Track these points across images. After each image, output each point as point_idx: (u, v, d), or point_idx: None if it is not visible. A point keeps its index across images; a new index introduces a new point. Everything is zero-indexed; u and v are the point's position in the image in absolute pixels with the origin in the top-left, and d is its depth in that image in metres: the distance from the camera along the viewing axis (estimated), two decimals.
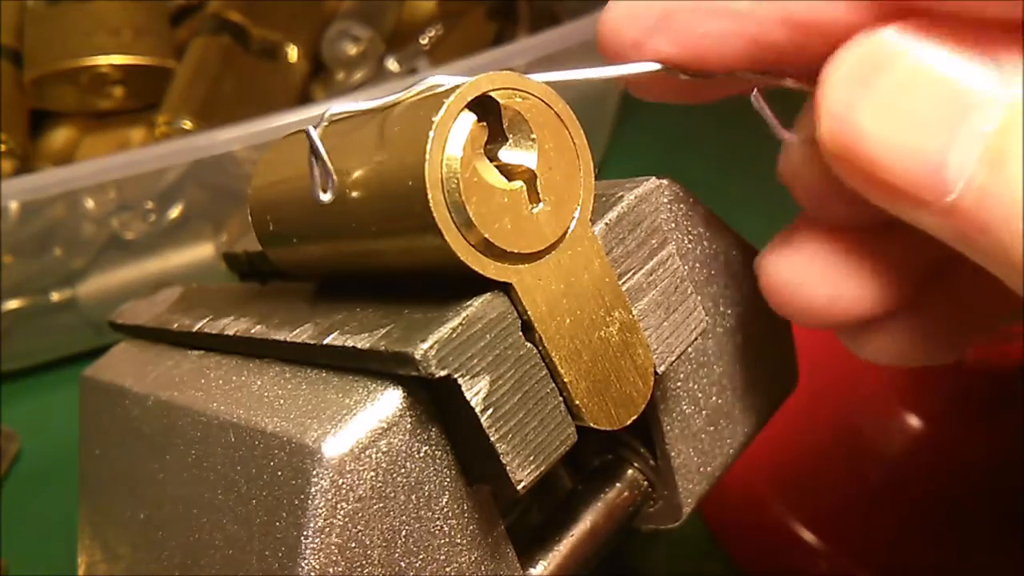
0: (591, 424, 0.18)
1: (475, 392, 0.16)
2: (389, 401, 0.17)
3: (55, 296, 0.49)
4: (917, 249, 0.19)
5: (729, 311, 0.22)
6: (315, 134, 0.17)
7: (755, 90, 0.19)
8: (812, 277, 0.19)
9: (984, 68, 0.16)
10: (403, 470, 0.17)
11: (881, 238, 0.19)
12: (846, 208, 0.19)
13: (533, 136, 0.17)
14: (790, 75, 0.19)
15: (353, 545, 0.17)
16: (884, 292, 0.19)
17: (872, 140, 0.16)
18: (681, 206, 0.21)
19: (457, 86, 0.16)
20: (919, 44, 0.16)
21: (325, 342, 0.18)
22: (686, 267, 0.20)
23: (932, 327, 0.20)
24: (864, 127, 0.16)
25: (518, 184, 0.17)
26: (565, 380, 0.17)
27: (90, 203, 0.46)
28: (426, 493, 0.18)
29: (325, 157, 0.17)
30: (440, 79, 0.17)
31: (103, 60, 0.53)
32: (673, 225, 0.21)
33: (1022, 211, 0.15)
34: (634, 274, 0.19)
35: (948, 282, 0.20)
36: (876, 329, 0.20)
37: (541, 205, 0.17)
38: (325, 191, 0.17)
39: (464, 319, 0.16)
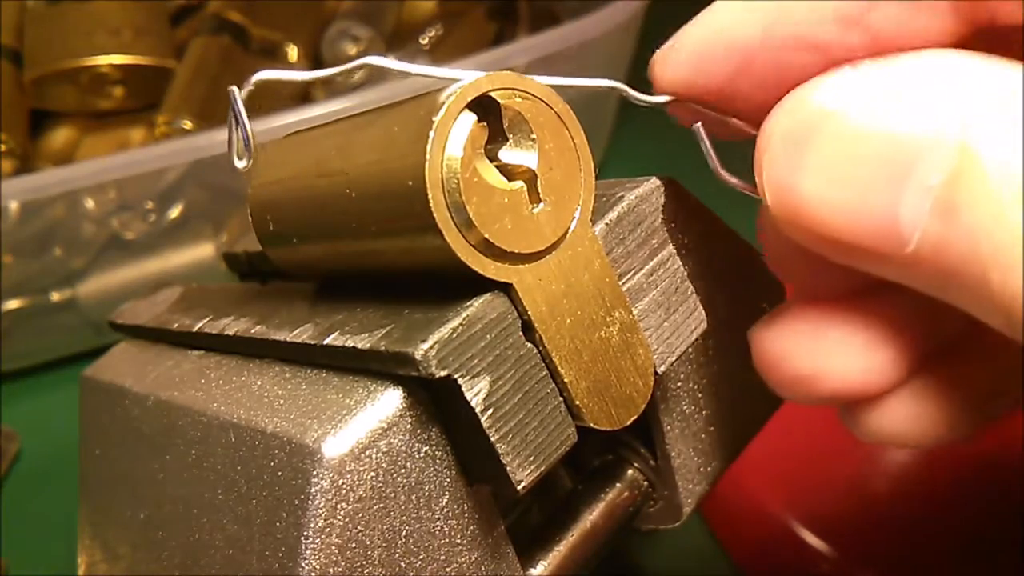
0: (591, 424, 0.18)
1: (475, 392, 0.16)
2: (389, 401, 0.17)
3: (55, 296, 0.49)
4: (916, 317, 0.18)
5: (729, 311, 0.22)
6: (238, 95, 0.17)
7: (698, 124, 0.19)
8: (796, 350, 0.18)
9: (926, 115, 0.15)
10: (403, 470, 0.17)
11: (871, 307, 0.18)
12: (814, 272, 0.18)
13: (533, 136, 0.17)
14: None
15: (353, 545, 0.17)
16: (877, 366, 0.18)
17: (817, 204, 0.16)
18: (681, 206, 0.21)
19: (457, 86, 0.16)
20: (851, 103, 0.15)
21: (325, 342, 0.18)
22: (686, 267, 0.20)
23: (939, 404, 0.19)
24: (807, 192, 0.16)
25: (518, 184, 0.17)
26: (565, 380, 0.17)
27: (90, 203, 0.46)
28: (426, 493, 0.18)
29: (246, 122, 0.17)
30: (377, 60, 0.17)
31: (103, 60, 0.53)
32: (673, 225, 0.21)
33: (982, 261, 0.14)
34: (634, 274, 0.19)
35: (958, 354, 0.19)
36: (873, 407, 0.19)
37: (541, 205, 0.17)
38: (241, 157, 0.17)
39: (464, 319, 0.16)
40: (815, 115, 0.16)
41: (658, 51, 0.19)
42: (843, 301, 0.18)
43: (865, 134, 0.15)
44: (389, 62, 0.17)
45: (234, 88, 0.17)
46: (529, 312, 0.17)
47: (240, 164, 0.17)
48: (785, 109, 0.16)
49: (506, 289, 0.17)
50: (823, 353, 0.18)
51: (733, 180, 0.18)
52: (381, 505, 0.17)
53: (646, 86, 0.19)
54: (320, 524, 0.16)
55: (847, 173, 0.15)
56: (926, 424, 0.19)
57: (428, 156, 0.16)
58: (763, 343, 0.19)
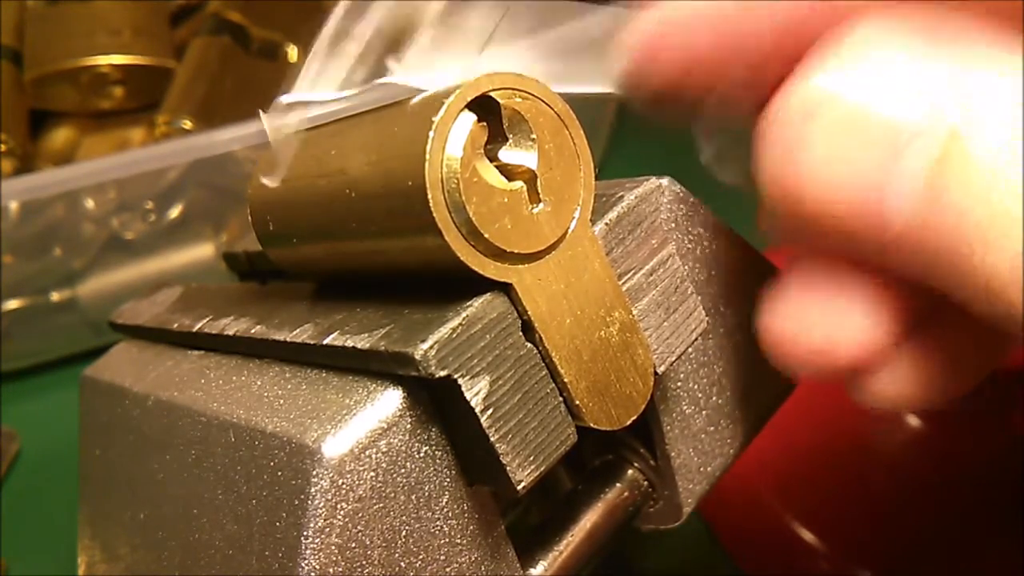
0: (591, 424, 0.18)
1: (475, 392, 0.16)
2: (389, 401, 0.17)
3: (55, 296, 0.49)
4: (903, 281, 0.19)
5: (729, 311, 0.22)
6: (266, 121, 0.17)
7: (697, 119, 0.19)
8: (808, 323, 0.19)
9: (919, 100, 0.16)
10: (403, 470, 0.17)
11: (863, 274, 0.19)
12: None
13: (533, 136, 0.17)
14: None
15: (353, 545, 0.17)
16: (880, 328, 0.19)
17: (810, 184, 0.16)
18: (681, 206, 0.21)
19: (457, 86, 0.16)
20: (850, 85, 0.16)
21: (325, 342, 0.18)
22: (686, 267, 0.20)
23: (940, 360, 0.20)
24: (801, 173, 0.16)
25: (518, 184, 0.17)
26: (565, 380, 0.17)
27: (90, 203, 0.46)
28: (426, 493, 0.18)
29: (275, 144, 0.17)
30: (396, 79, 0.17)
31: (103, 60, 0.53)
32: (673, 225, 0.21)
33: (965, 239, 0.15)
34: (634, 274, 0.19)
35: (943, 316, 0.20)
36: (879, 372, 0.20)
37: (541, 205, 0.17)
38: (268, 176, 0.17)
39: (464, 319, 0.16)
40: (815, 97, 0.17)
41: None
42: (837, 271, 0.19)
43: (859, 117, 0.16)
44: (409, 79, 0.17)
45: (263, 112, 0.17)
46: (529, 312, 0.17)
47: (269, 182, 0.17)
48: (788, 91, 0.17)
49: (506, 289, 0.17)
50: (833, 322, 0.19)
51: (727, 174, 0.19)
52: (381, 505, 0.17)
53: None
54: (320, 524, 0.16)
55: (839, 155, 0.16)
56: (926, 383, 0.20)
57: (428, 156, 0.16)
58: (774, 323, 0.19)
